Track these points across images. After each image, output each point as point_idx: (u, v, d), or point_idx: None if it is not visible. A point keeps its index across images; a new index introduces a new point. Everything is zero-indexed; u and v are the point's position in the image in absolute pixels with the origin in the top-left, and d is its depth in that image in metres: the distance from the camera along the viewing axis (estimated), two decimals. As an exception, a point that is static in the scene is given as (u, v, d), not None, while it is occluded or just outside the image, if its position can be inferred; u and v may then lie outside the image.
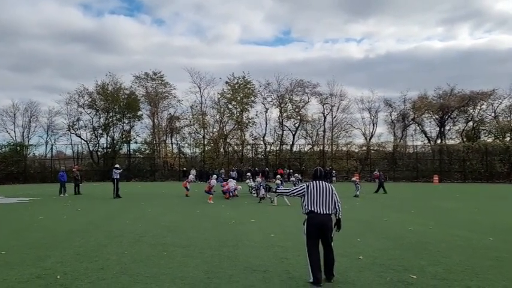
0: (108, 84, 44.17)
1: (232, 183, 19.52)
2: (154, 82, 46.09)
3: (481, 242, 7.94)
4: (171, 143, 48.02)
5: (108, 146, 44.53)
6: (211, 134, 46.20)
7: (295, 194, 5.58)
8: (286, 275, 5.60)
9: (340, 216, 5.48)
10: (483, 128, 45.53)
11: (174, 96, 46.58)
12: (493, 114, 44.89)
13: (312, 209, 5.27)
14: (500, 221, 11.38)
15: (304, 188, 5.44)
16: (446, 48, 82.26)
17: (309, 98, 45.26)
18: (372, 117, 46.87)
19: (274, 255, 6.81)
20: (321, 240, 5.32)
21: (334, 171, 36.59)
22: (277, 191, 6.10)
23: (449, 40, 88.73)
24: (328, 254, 5.31)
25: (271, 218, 11.79)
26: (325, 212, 5.27)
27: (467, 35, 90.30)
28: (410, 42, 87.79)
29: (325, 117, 45.50)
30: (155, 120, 46.32)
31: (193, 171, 35.86)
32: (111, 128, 44.60)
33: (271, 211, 13.80)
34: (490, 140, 43.70)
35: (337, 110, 45.51)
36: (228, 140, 46.01)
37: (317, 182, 5.44)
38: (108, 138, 44.59)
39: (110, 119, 44.36)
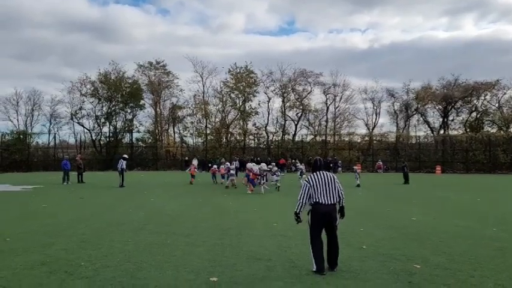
0: (110, 73, 44.03)
1: (255, 168, 17.60)
2: (157, 71, 45.89)
3: (483, 232, 7.94)
4: (174, 133, 48.06)
5: (111, 135, 44.58)
6: (213, 124, 46.12)
7: (306, 197, 5.32)
8: (289, 264, 5.61)
9: (344, 204, 5.46)
10: (487, 118, 45.32)
11: (177, 85, 46.45)
12: (497, 104, 44.64)
13: (318, 199, 5.25)
14: (503, 211, 11.36)
15: (307, 186, 5.34)
16: (451, 38, 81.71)
17: (311, 88, 45.09)
18: (375, 108, 46.76)
19: (277, 244, 6.82)
20: (326, 230, 5.32)
21: (339, 162, 36.42)
22: (296, 210, 5.57)
23: (454, 30, 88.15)
24: (333, 243, 5.31)
25: (274, 208, 11.81)
26: (330, 202, 5.26)
27: (472, 26, 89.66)
28: (414, 32, 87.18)
29: (327, 107, 45.40)
30: (158, 110, 46.23)
31: (194, 161, 35.84)
32: (114, 117, 44.59)
33: (274, 201, 13.82)
34: (493, 130, 43.51)
35: (340, 100, 45.41)
36: (230, 130, 45.92)
37: (319, 172, 5.40)
38: (111, 127, 44.64)
39: (113, 108, 44.31)
